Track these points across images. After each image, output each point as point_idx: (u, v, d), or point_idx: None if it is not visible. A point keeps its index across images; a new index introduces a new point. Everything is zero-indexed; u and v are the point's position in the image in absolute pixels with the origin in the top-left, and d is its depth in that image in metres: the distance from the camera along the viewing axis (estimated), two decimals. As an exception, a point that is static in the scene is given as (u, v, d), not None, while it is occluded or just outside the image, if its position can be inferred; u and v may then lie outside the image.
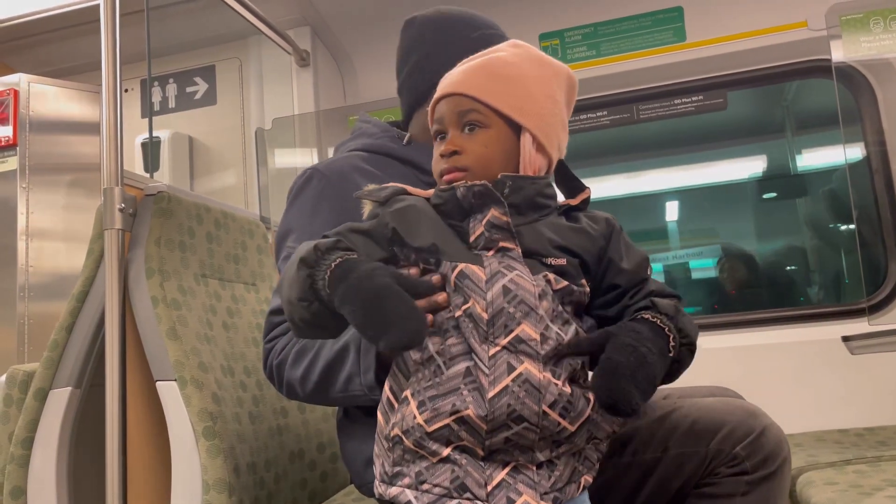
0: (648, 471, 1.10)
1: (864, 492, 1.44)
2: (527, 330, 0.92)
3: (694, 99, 2.58)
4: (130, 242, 1.42)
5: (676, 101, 2.59)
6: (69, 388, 1.41)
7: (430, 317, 0.94)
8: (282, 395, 1.22)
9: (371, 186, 1.06)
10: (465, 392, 0.92)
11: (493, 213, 0.98)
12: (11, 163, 2.44)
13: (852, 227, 2.67)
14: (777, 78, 2.59)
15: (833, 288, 4.16)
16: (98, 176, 2.56)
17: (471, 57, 1.09)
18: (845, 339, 2.03)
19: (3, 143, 2.44)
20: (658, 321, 0.93)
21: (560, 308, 0.95)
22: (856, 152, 2.50)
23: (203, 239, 1.54)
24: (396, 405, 0.97)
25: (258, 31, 2.59)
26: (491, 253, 0.97)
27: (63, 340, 1.43)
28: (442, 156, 1.04)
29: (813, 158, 4.61)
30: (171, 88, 3.00)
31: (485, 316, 0.93)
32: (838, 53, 2.31)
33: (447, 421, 0.91)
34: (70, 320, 1.43)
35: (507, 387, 0.90)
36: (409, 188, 1.06)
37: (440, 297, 0.94)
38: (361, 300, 0.86)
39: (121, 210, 1.41)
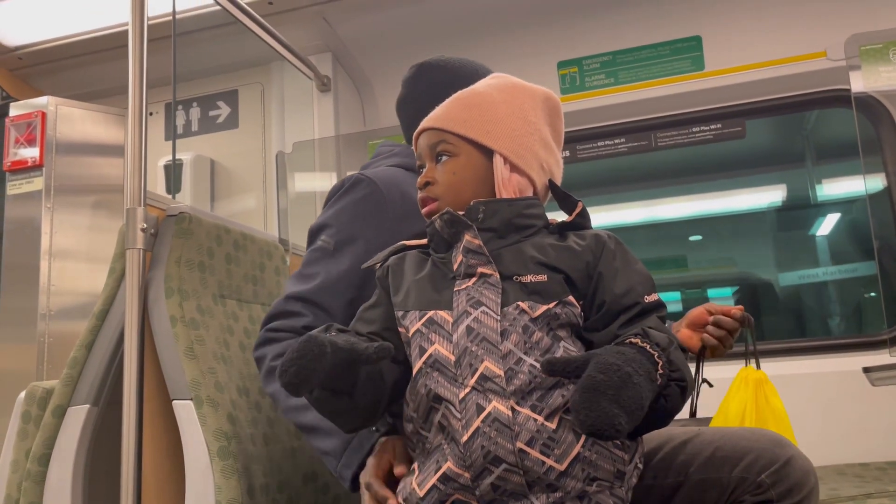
0: (669, 496, 1.08)
1: (886, 526, 1.41)
2: (490, 367, 0.92)
3: (712, 127, 2.59)
4: (151, 262, 1.44)
5: (695, 129, 2.60)
6: (87, 406, 1.42)
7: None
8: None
9: (378, 255, 1.12)
10: (444, 446, 0.93)
11: (467, 238, 1.01)
12: (37, 183, 2.49)
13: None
14: (796, 107, 2.59)
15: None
16: (121, 198, 2.60)
17: None
18: (866, 370, 2.00)
19: (29, 164, 2.49)
20: (647, 346, 0.88)
21: (540, 336, 0.94)
22: (876, 183, 2.48)
23: (222, 260, 1.56)
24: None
25: (281, 57, 2.64)
26: (472, 282, 0.99)
27: (83, 358, 1.44)
28: (418, 188, 1.09)
29: (834, 188, 4.58)
30: (195, 112, 3.05)
31: (451, 358, 0.94)
32: (858, 83, 2.31)
33: (433, 481, 0.93)
34: (90, 338, 1.45)
35: (478, 428, 0.90)
36: (408, 242, 1.12)
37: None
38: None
39: (143, 230, 1.43)
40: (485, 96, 1.10)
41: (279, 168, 2.84)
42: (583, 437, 0.90)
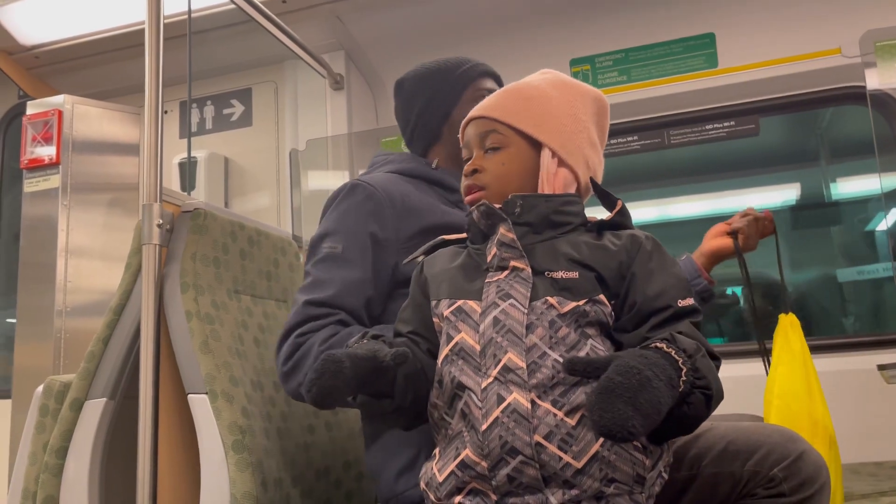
0: (682, 489, 1.08)
1: (901, 524, 1.40)
2: (513, 359, 0.93)
3: (726, 125, 2.58)
4: (167, 257, 1.45)
5: (708, 127, 2.59)
6: (104, 399, 1.43)
7: None
8: (283, 385, 1.29)
9: (418, 250, 1.13)
10: (464, 433, 0.94)
11: (501, 231, 1.01)
12: (54, 181, 2.51)
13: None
14: (810, 104, 2.57)
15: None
16: (136, 196, 2.63)
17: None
18: (881, 367, 1.99)
19: (46, 162, 2.51)
20: (671, 351, 0.86)
21: (567, 332, 0.94)
22: (892, 181, 2.46)
23: (237, 255, 1.57)
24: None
25: (294, 56, 2.66)
26: (503, 274, 0.99)
27: (99, 352, 1.46)
28: (465, 175, 1.09)
29: (848, 186, 4.54)
30: (209, 110, 3.08)
31: (477, 347, 0.95)
32: (873, 80, 2.29)
33: (452, 467, 0.94)
34: (107, 332, 1.46)
35: (497, 418, 0.91)
36: (447, 237, 1.12)
37: None
38: None
39: (158, 226, 1.44)
40: (539, 90, 1.11)
41: (292, 165, 2.85)
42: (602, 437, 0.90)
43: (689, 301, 0.99)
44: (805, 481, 1.02)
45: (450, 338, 0.99)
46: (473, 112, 1.13)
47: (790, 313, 1.54)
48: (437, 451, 1.01)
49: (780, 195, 4.93)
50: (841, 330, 4.38)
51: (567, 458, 0.89)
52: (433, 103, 1.49)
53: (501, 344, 0.94)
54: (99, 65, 3.02)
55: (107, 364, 1.45)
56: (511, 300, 0.97)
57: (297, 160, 2.86)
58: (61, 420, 1.45)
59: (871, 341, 2.31)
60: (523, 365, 0.92)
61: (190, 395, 1.36)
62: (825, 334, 4.26)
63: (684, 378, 0.84)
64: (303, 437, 1.52)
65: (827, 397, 2.19)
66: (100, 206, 2.60)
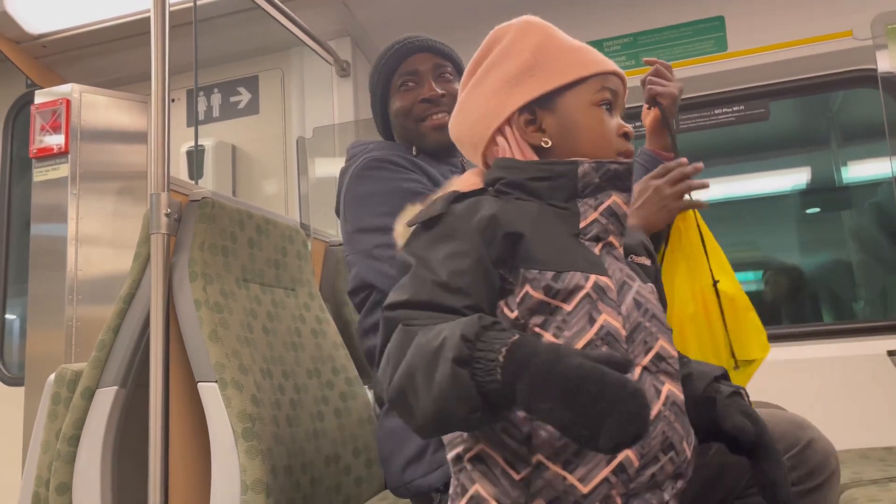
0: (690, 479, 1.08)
1: (909, 510, 1.40)
2: (665, 346, 0.85)
3: (735, 109, 2.56)
4: (175, 246, 1.46)
5: (717, 112, 2.57)
6: (115, 388, 1.44)
7: None
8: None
9: (419, 210, 0.91)
10: None
11: (616, 200, 0.90)
12: (63, 170, 2.51)
13: None
14: (821, 88, 2.55)
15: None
16: (145, 184, 2.63)
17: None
18: (890, 353, 1.98)
19: (55, 151, 2.51)
20: (745, 395, 0.92)
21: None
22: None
23: (245, 244, 1.58)
24: (518, 475, 0.80)
25: (300, 43, 2.65)
26: (599, 247, 0.88)
27: (110, 341, 1.47)
28: (627, 136, 0.95)
29: (859, 170, 4.50)
30: (216, 98, 3.08)
31: (623, 332, 0.82)
32: (884, 63, 2.27)
33: (605, 473, 0.78)
34: (117, 321, 1.47)
35: (659, 412, 0.81)
36: (461, 189, 0.93)
37: None
38: (560, 392, 0.65)
39: (167, 215, 1.44)
40: None
41: (300, 153, 2.85)
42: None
43: None
44: (813, 470, 1.02)
45: (592, 320, 0.82)
46: (621, 71, 0.97)
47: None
48: (541, 457, 0.79)
49: (791, 179, 4.90)
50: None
51: (688, 449, 0.85)
52: (374, 102, 1.58)
53: (650, 329, 0.84)
54: (106, 53, 3.02)
55: (117, 353, 1.46)
56: (637, 282, 0.87)
57: (303, 148, 2.86)
58: (73, 408, 1.46)
59: (881, 326, 2.30)
60: (675, 354, 0.86)
61: (200, 384, 1.37)
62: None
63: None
64: (312, 425, 1.53)
65: (836, 382, 2.19)
66: (109, 195, 2.61)
